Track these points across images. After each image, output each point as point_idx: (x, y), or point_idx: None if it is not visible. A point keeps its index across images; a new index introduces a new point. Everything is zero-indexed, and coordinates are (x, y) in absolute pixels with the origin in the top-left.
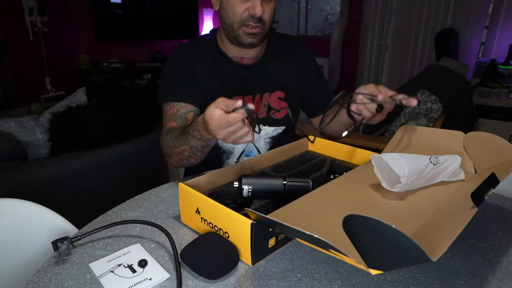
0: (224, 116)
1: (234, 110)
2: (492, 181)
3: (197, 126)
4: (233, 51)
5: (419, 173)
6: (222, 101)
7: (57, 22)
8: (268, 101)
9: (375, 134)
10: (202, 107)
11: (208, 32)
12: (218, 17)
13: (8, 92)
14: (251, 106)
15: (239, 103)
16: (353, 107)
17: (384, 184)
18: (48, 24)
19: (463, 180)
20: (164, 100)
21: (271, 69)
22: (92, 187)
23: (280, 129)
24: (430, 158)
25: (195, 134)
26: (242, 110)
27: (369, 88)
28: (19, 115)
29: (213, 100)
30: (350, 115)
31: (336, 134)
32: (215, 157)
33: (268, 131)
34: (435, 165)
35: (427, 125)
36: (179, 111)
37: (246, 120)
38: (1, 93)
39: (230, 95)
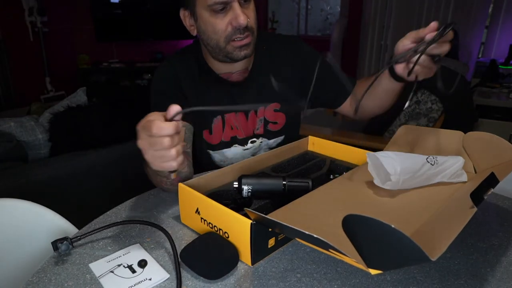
0: (155, 122)
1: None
2: (491, 181)
3: None
4: (220, 68)
5: (413, 172)
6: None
7: (57, 22)
8: (264, 115)
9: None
10: (194, 125)
11: (193, 42)
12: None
13: (8, 92)
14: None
15: (173, 110)
16: (399, 69)
17: (376, 181)
18: (48, 24)
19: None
20: None
21: (263, 80)
22: (92, 187)
23: (280, 139)
24: (427, 158)
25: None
26: (172, 125)
27: (409, 42)
28: (19, 115)
29: (205, 120)
30: (396, 77)
31: (373, 109)
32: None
33: (268, 143)
34: (432, 165)
35: (427, 125)
36: None
37: (176, 145)
38: (1, 93)
39: (223, 113)
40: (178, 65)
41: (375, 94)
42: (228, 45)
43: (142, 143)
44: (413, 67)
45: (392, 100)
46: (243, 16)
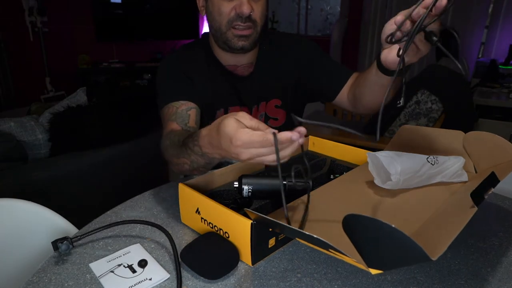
0: (262, 135)
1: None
2: (492, 180)
3: (197, 141)
4: (226, 59)
5: (414, 172)
6: (247, 118)
7: (57, 22)
8: (265, 110)
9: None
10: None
11: (201, 35)
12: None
13: (8, 92)
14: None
15: (270, 136)
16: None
17: (377, 181)
18: (48, 24)
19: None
20: (162, 105)
21: (266, 76)
22: (92, 187)
23: None
24: (427, 158)
25: (195, 149)
26: (261, 135)
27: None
28: (19, 115)
29: (208, 110)
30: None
31: (370, 103)
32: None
33: None
34: (433, 165)
35: (427, 125)
36: (178, 109)
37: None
38: (1, 93)
39: (227, 107)
40: (186, 55)
41: (370, 87)
42: (228, 31)
43: (248, 154)
44: (406, 43)
45: (386, 96)
46: (247, 5)
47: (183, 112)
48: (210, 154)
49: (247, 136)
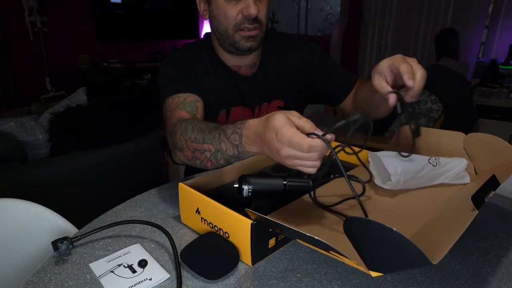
0: (302, 137)
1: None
2: (492, 183)
3: (241, 129)
4: (230, 60)
5: (414, 173)
6: (296, 116)
7: (57, 22)
8: (267, 111)
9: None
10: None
11: (203, 35)
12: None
13: (8, 92)
14: (329, 137)
15: (308, 141)
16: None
17: (377, 181)
18: (48, 24)
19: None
20: (166, 95)
21: (269, 77)
22: (92, 187)
23: None
24: (429, 159)
25: (232, 137)
26: (322, 143)
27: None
28: (19, 115)
29: (211, 110)
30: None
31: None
32: None
33: None
34: (434, 166)
35: (427, 125)
36: (186, 99)
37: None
38: (1, 93)
39: (229, 107)
40: (190, 54)
41: (371, 99)
42: (236, 34)
43: (286, 152)
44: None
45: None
46: (254, 7)
47: (191, 103)
48: (248, 146)
49: (289, 132)
